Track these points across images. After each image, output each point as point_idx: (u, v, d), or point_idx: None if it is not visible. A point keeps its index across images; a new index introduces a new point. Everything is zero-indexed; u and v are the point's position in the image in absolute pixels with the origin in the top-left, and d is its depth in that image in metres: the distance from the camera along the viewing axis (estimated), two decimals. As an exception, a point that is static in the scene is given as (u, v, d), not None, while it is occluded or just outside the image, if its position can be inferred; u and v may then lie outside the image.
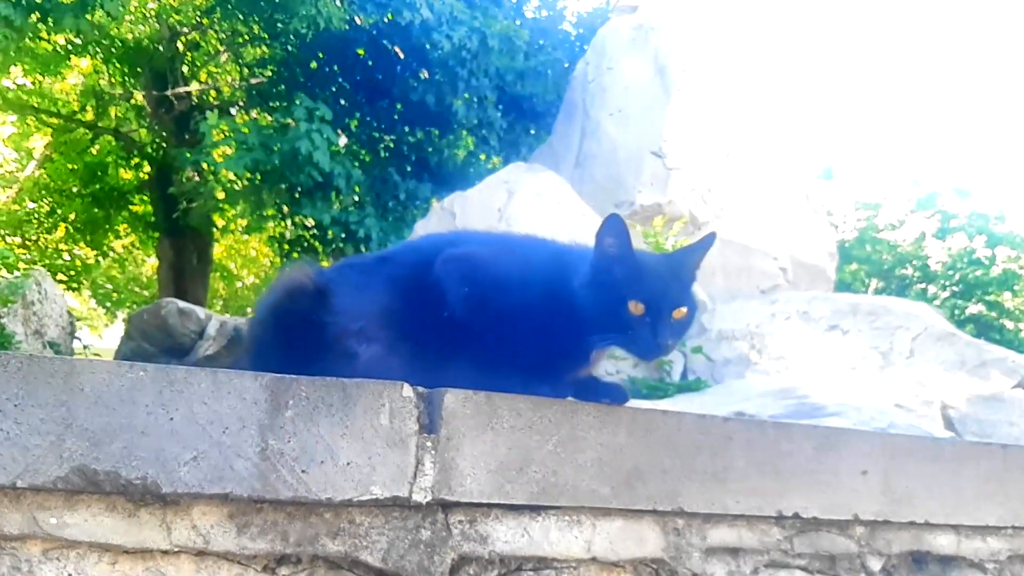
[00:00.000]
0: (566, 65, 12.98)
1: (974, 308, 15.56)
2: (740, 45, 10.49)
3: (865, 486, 1.90)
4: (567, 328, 1.66)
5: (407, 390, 1.58)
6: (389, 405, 1.56)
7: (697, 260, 1.73)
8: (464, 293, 1.69)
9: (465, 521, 1.62)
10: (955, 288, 16.14)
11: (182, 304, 6.26)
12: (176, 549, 1.44)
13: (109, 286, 15.85)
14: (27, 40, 10.11)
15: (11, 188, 14.27)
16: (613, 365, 6.53)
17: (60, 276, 14.30)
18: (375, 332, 1.72)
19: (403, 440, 1.56)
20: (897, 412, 5.89)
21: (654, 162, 9.69)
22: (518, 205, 8.16)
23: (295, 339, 1.72)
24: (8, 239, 13.89)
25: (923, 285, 16.44)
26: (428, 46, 11.38)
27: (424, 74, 12.06)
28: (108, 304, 16.33)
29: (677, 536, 1.76)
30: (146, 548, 1.42)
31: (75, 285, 15.22)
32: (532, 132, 13.45)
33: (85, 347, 7.59)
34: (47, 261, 14.13)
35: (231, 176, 11.08)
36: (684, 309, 1.65)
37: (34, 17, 9.22)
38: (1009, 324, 16.06)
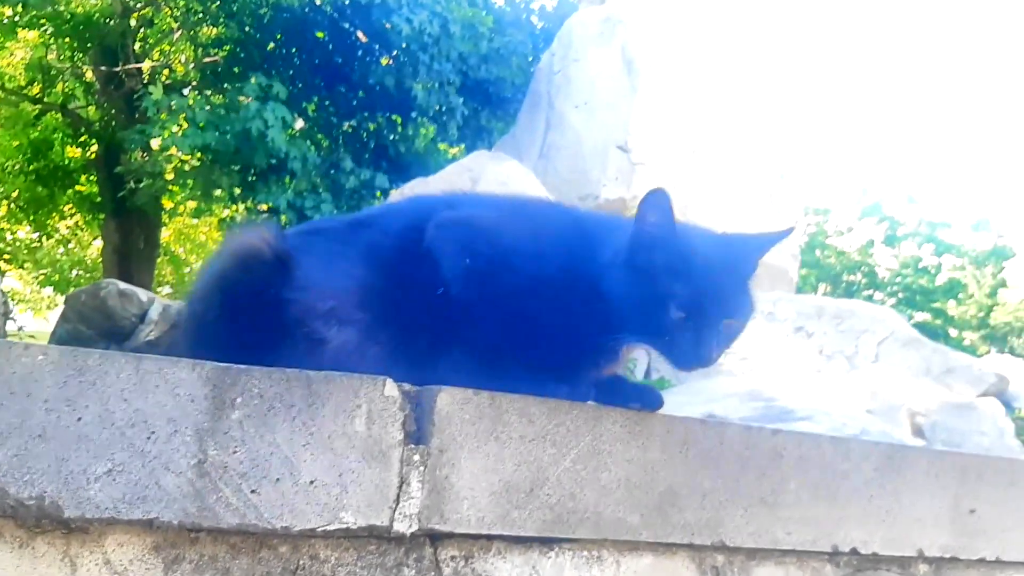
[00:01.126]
0: (530, 59, 12.69)
1: (920, 316, 15.66)
2: (707, 42, 10.33)
3: (932, 515, 1.60)
4: (592, 315, 1.33)
5: (390, 387, 1.23)
6: (367, 407, 1.21)
7: (764, 251, 1.40)
8: (464, 266, 1.34)
9: (459, 557, 1.27)
10: (901, 295, 16.26)
11: (123, 286, 5.84)
12: (81, 592, 1.08)
13: (41, 268, 15.22)
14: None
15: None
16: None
17: (5, 256, 13.77)
18: (349, 314, 1.36)
19: (384, 452, 1.21)
20: (868, 418, 5.69)
21: (619, 156, 9.49)
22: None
23: (247, 320, 1.36)
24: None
25: (870, 292, 16.55)
26: (388, 28, 11.01)
27: (385, 60, 11.69)
28: (51, 286, 15.72)
29: (716, 576, 1.44)
30: (41, 590, 1.06)
31: (17, 266, 14.64)
32: (495, 122, 13.14)
33: (20, 328, 7.12)
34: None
35: (180, 156, 10.61)
36: (737, 319, 1.34)
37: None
38: (954, 332, 16.20)
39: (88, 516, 1.05)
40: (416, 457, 1.23)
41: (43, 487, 1.03)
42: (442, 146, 13.21)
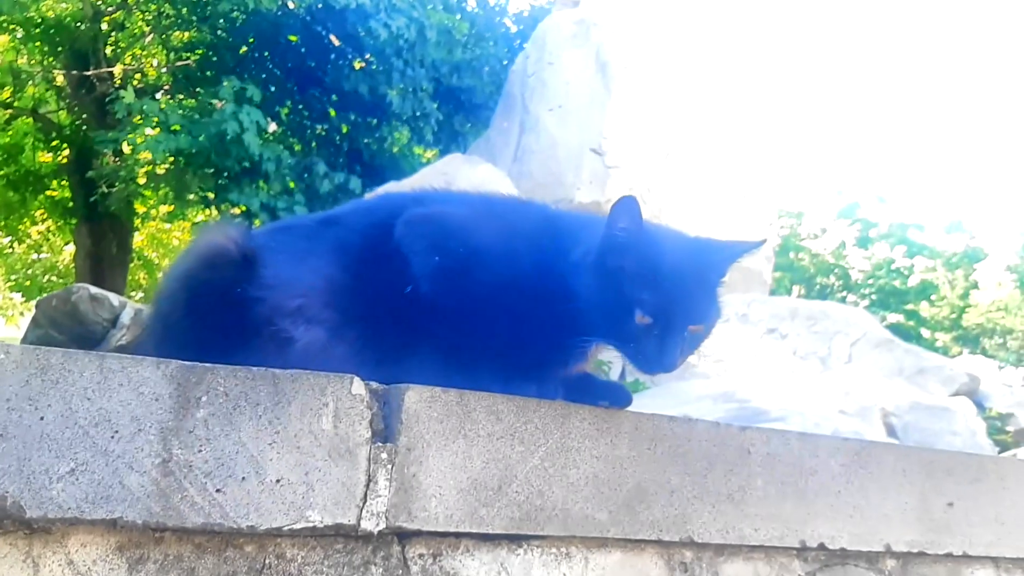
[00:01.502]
0: (505, 63, 12.71)
1: (893, 317, 15.77)
2: (681, 44, 10.35)
3: (899, 511, 1.61)
4: (561, 315, 1.33)
5: (357, 386, 1.22)
6: (334, 405, 1.20)
7: (736, 259, 1.42)
8: (434, 263, 1.34)
9: (427, 555, 1.27)
10: (874, 297, 16.35)
11: (94, 290, 5.78)
12: (44, 593, 1.07)
13: (13, 274, 15.05)
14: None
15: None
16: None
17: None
18: (317, 312, 1.36)
19: (351, 451, 1.20)
20: (841, 418, 5.74)
21: (593, 159, 9.49)
22: (455, 197, 7.84)
23: (213, 319, 1.35)
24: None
25: (844, 294, 16.64)
26: (364, 34, 10.99)
27: (358, 64, 11.67)
28: (22, 292, 15.55)
29: (684, 572, 1.44)
30: (4, 591, 1.05)
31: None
32: (469, 126, 13.14)
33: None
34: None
35: (153, 160, 10.54)
36: (703, 325, 1.36)
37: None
38: (926, 333, 16.31)
39: (51, 516, 1.04)
40: (384, 455, 1.22)
41: (5, 487, 1.02)
42: (417, 150, 13.20)
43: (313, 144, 12.30)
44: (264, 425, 1.16)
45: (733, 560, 1.48)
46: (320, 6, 11.31)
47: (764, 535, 1.48)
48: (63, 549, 1.08)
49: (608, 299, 1.30)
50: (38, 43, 12.20)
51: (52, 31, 11.95)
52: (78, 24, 11.96)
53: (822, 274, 16.89)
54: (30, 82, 12.62)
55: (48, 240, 15.35)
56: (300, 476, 1.17)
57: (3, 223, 13.72)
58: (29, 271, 15.16)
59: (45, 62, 12.56)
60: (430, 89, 11.99)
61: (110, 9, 12.25)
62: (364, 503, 1.20)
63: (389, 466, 1.22)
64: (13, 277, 14.89)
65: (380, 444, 1.23)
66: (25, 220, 14.14)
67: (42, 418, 1.05)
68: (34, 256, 15.16)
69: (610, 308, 1.30)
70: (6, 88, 12.62)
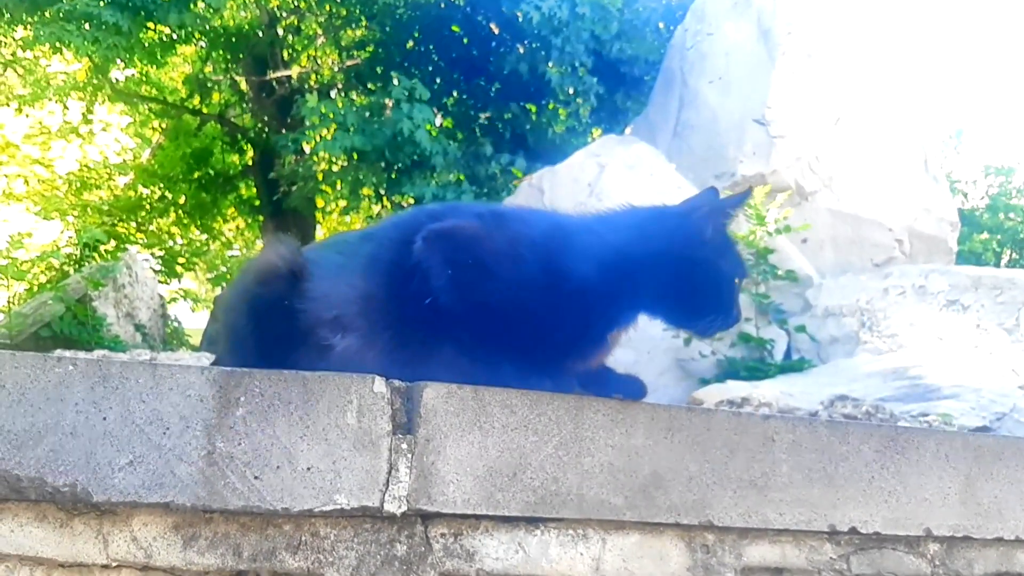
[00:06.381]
0: (664, 31, 12.59)
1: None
2: (851, 2, 9.93)
3: (940, 496, 1.62)
4: (577, 310, 1.44)
5: (379, 384, 1.38)
6: (358, 402, 1.36)
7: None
8: (448, 276, 1.46)
9: (448, 534, 1.41)
10: (1095, 260, 15.03)
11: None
12: (115, 563, 1.28)
13: (212, 270, 16.14)
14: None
15: (128, 174, 14.66)
16: (708, 346, 6.24)
17: (180, 260, 14.66)
18: (352, 321, 1.50)
19: (374, 442, 1.36)
20: (1021, 395, 5.45)
21: (757, 131, 9.26)
22: (609, 179, 7.89)
23: (266, 329, 1.53)
24: (125, 223, 14.31)
25: (1061, 257, 15.36)
26: (520, 18, 11.20)
27: (520, 49, 11.88)
28: (223, 286, 16.64)
29: (706, 554, 1.52)
30: (81, 562, 1.28)
31: (190, 268, 15.58)
32: (629, 103, 13.09)
33: (177, 327, 7.63)
34: (162, 245, 14.48)
35: (329, 158, 11.13)
36: None
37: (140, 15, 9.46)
38: None
39: (114, 500, 1.25)
40: (404, 446, 1.37)
41: (75, 476, 1.23)
42: (579, 130, 13.28)
43: (478, 133, 12.61)
44: (296, 421, 1.33)
45: (758, 543, 1.54)
46: (478, -4, 11.61)
47: (790, 519, 1.53)
48: (128, 528, 1.29)
49: (716, 275, 1.53)
50: (221, 51, 13.00)
51: (233, 39, 12.71)
52: (256, 31, 12.72)
53: (1033, 235, 15.60)
54: (216, 89, 13.50)
55: (242, 236, 16.39)
56: (328, 464, 1.34)
57: (199, 222, 14.74)
58: (228, 266, 16.21)
59: (228, 69, 13.38)
60: (589, 64, 12.02)
61: (285, 14, 12.95)
62: (387, 488, 1.36)
63: (409, 455, 1.37)
64: (213, 273, 15.97)
65: (401, 436, 1.38)
66: (218, 219, 15.13)
67: (105, 418, 1.25)
68: (228, 253, 16.21)
69: (718, 283, 1.54)
70: (195, 96, 13.57)
